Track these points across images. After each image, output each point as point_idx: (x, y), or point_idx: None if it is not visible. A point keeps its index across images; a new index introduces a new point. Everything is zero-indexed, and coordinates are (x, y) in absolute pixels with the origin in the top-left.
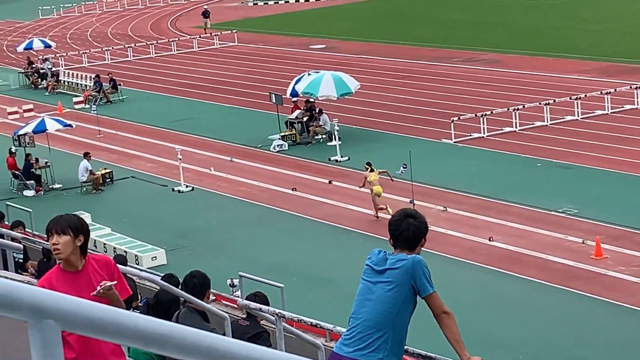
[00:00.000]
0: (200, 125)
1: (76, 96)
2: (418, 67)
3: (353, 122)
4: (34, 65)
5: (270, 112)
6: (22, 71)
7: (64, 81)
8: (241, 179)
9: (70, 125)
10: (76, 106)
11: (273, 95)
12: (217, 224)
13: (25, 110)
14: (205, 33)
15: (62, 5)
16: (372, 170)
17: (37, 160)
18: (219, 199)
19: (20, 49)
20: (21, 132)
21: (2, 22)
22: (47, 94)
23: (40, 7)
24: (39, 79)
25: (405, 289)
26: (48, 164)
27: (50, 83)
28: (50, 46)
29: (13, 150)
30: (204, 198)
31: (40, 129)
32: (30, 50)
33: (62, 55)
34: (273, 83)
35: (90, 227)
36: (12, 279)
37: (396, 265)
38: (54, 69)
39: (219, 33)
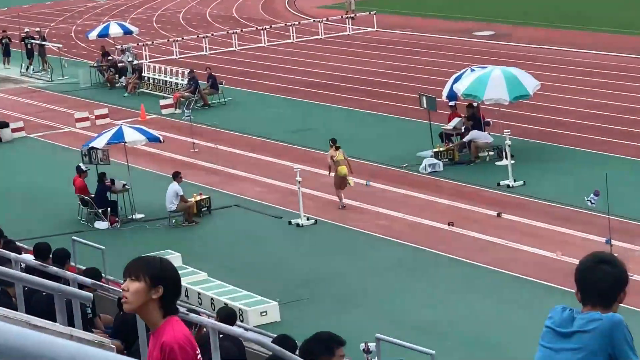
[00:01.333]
0: (326, 136)
1: (164, 98)
2: (618, 61)
3: (530, 135)
4: (109, 58)
5: (420, 120)
6: (95, 65)
7: (149, 78)
8: (380, 209)
9: (157, 139)
10: (164, 111)
11: (424, 97)
12: (349, 268)
13: (97, 117)
14: (348, 15)
15: None
16: (337, 149)
17: (112, 182)
18: (350, 236)
19: (93, 36)
20: (93, 145)
21: (70, 1)
22: (126, 94)
23: None
24: (116, 75)
25: (600, 359)
26: (127, 187)
27: (130, 80)
28: (131, 32)
29: (83, 168)
30: (331, 234)
31: (117, 141)
32: (105, 38)
33: (147, 45)
34: (424, 82)
35: (180, 272)
36: (80, 338)
37: (587, 327)
38: (135, 62)
39: (353, 15)
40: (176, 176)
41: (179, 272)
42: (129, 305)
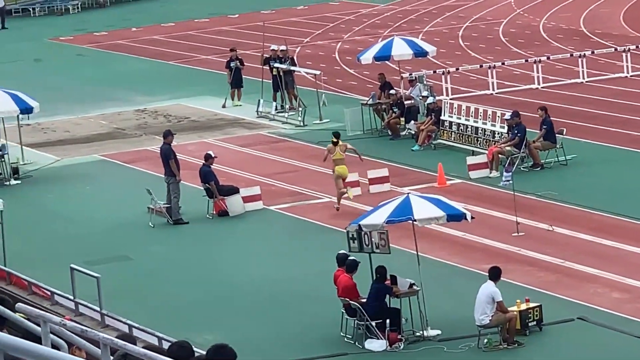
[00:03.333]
0: None
1: (473, 153)
2: None
3: None
4: (392, 92)
5: None
6: (369, 102)
7: (451, 123)
8: None
9: (461, 216)
10: (472, 173)
11: None
12: None
13: (372, 181)
14: None
15: None
16: (336, 144)
17: (394, 279)
18: None
19: (367, 58)
20: (364, 223)
21: (332, 5)
22: (416, 147)
23: None
24: (402, 118)
25: None
26: (415, 287)
27: (423, 127)
28: (425, 53)
29: (351, 259)
30: None
31: (402, 218)
32: (387, 62)
33: (448, 72)
34: None
35: None
36: None
37: None
38: (431, 98)
39: None
40: (494, 274)
41: None
42: None
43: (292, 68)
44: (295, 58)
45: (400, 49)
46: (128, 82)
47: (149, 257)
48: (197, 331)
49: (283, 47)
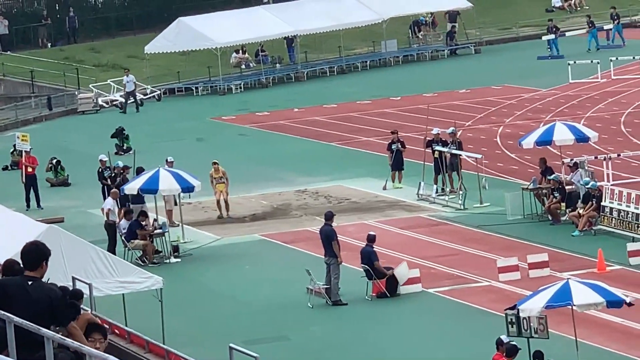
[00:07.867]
0: None
1: (634, 239)
2: None
3: None
4: (551, 177)
5: None
6: (530, 187)
7: (611, 209)
8: None
9: (619, 303)
10: (633, 260)
11: None
12: None
13: (532, 265)
14: None
15: (613, 59)
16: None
17: None
18: None
19: (529, 143)
20: (524, 307)
21: (495, 89)
22: (576, 232)
23: (572, 62)
24: (562, 203)
25: None
26: None
27: (584, 212)
28: (586, 139)
29: (510, 345)
30: None
31: (560, 304)
32: (548, 147)
33: (609, 158)
34: None
35: None
36: None
37: None
38: (590, 183)
39: None
40: None
41: None
42: None
43: (454, 151)
44: (460, 140)
45: (562, 134)
46: (289, 163)
47: (308, 337)
48: None
49: (452, 130)
